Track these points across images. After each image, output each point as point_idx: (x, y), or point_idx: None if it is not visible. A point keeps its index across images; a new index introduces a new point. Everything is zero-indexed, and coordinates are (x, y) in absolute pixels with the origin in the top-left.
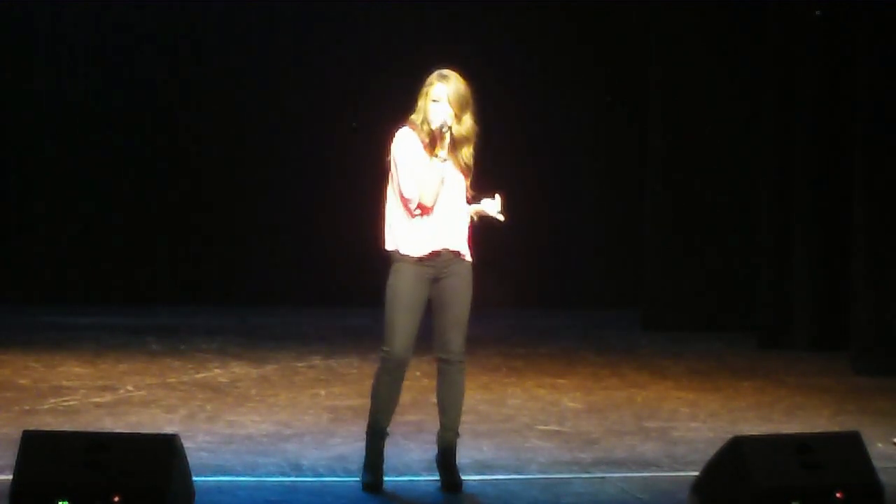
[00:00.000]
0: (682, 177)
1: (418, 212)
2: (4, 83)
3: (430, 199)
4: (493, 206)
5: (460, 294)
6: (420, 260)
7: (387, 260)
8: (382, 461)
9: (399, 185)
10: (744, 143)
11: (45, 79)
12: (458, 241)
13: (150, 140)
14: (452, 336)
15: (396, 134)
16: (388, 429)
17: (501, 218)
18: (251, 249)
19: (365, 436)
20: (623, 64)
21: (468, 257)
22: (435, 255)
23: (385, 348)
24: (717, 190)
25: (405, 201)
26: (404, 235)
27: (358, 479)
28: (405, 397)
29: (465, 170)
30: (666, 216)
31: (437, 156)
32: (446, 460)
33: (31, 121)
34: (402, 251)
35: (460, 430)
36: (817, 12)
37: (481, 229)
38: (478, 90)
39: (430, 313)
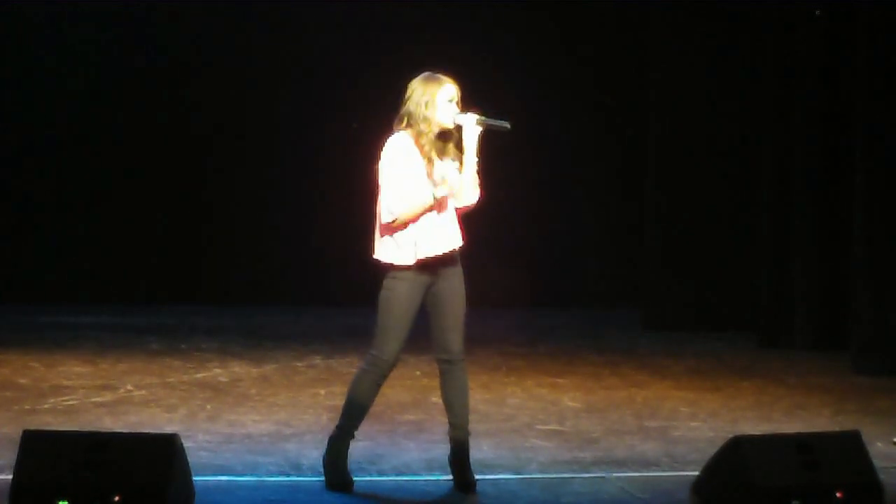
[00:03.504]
0: (681, 177)
1: (397, 228)
2: (5, 83)
3: (409, 216)
4: (476, 123)
5: (458, 296)
6: (417, 268)
7: (380, 268)
8: (347, 461)
9: (383, 200)
10: (744, 143)
11: (45, 80)
12: (452, 241)
13: (151, 140)
14: (453, 337)
15: (389, 141)
16: (356, 432)
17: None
18: (251, 249)
19: (332, 435)
20: (623, 65)
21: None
22: (431, 261)
23: (373, 352)
24: (716, 190)
25: (385, 218)
26: (398, 246)
27: (358, 478)
28: (405, 397)
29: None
30: (666, 216)
31: (448, 161)
32: (460, 459)
33: (32, 121)
34: (399, 262)
35: None
36: (817, 12)
37: (481, 230)
38: (478, 91)
39: (425, 315)
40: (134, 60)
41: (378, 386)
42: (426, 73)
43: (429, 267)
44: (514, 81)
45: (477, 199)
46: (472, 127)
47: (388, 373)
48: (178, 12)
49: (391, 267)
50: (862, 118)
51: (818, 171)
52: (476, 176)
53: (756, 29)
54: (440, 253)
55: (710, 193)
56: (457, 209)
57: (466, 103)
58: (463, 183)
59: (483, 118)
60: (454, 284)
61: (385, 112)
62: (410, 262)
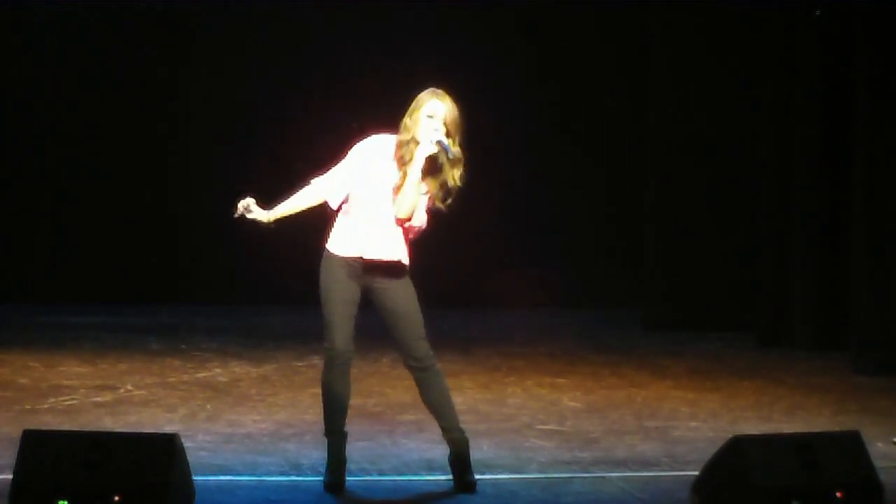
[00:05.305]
0: (681, 177)
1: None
2: (3, 83)
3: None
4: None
5: (406, 305)
6: (339, 259)
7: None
8: (345, 461)
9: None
10: (744, 143)
11: (44, 80)
12: (381, 250)
13: (150, 140)
14: (414, 344)
15: (368, 137)
16: (346, 428)
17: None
18: (251, 249)
19: (325, 438)
20: (623, 63)
21: (403, 264)
22: (355, 260)
23: (326, 345)
24: (716, 189)
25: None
26: (335, 232)
27: (358, 478)
28: (405, 397)
29: (443, 191)
30: (666, 216)
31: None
32: (460, 461)
33: (30, 121)
34: (327, 245)
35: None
36: (817, 12)
37: (480, 230)
38: (477, 91)
39: (383, 324)
40: (134, 61)
41: (343, 377)
42: (431, 88)
43: (355, 266)
44: (514, 81)
45: (410, 223)
46: (426, 145)
47: (345, 362)
48: (173, 16)
49: (325, 251)
50: (862, 118)
51: (818, 170)
52: (412, 195)
53: (756, 29)
54: (354, 256)
55: (709, 193)
56: (401, 226)
57: (461, 124)
58: (401, 194)
59: (440, 140)
60: (398, 296)
61: (385, 112)
62: (333, 250)
